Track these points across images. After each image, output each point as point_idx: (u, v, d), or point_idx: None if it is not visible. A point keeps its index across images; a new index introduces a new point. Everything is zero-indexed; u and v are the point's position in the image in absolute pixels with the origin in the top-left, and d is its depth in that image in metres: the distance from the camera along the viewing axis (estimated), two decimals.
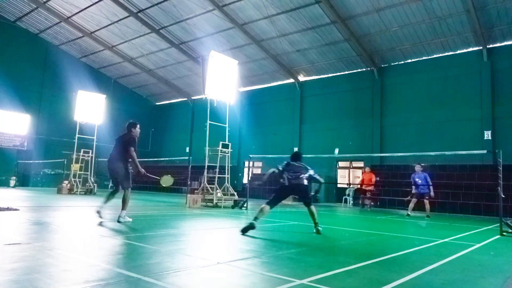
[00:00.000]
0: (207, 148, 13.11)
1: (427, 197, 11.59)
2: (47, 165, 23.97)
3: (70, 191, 16.98)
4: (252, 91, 25.24)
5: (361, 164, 20.39)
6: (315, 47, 19.76)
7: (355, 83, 20.57)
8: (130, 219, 6.87)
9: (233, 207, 12.26)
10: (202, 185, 13.07)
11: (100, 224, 6.48)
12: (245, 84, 24.84)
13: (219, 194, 12.61)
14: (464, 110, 16.86)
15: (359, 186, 15.11)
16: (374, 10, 16.32)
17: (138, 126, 7.27)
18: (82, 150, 18.35)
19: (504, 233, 7.24)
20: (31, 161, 23.76)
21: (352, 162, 20.94)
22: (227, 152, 13.32)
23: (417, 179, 11.77)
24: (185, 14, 19.61)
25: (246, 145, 24.21)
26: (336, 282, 3.23)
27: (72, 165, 18.06)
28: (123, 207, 6.90)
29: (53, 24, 23.38)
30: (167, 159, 23.23)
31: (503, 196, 7.73)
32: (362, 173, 15.24)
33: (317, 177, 6.71)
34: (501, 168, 7.55)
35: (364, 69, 20.23)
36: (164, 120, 30.77)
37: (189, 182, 15.06)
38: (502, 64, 16.27)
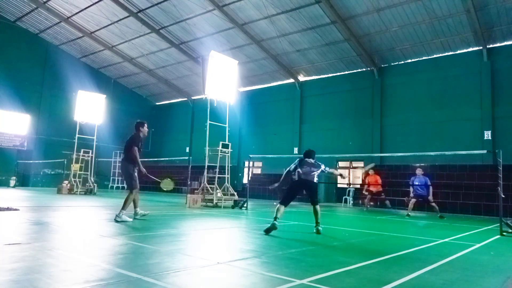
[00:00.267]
0: (207, 148, 13.11)
1: (432, 202, 11.66)
2: (47, 165, 23.98)
3: (70, 191, 16.98)
4: (252, 91, 25.24)
5: (361, 164, 20.40)
6: (315, 47, 19.77)
7: (355, 83, 20.57)
8: (130, 219, 6.87)
9: (233, 207, 12.26)
10: (202, 185, 13.07)
11: (100, 224, 6.48)
12: (245, 84, 24.84)
13: (219, 194, 12.61)
14: (464, 110, 16.86)
15: (366, 189, 14.90)
16: (374, 10, 16.32)
17: (145, 125, 7.43)
18: (82, 150, 18.35)
19: (504, 233, 7.24)
20: (31, 161, 23.77)
21: (352, 162, 20.94)
22: (227, 152, 13.32)
23: (416, 182, 11.84)
24: (185, 14, 19.61)
25: (246, 145, 24.21)
26: (336, 282, 3.23)
27: (72, 165, 18.06)
28: (123, 207, 6.96)
29: (53, 24, 23.38)
30: (167, 159, 23.24)
31: (503, 196, 7.73)
32: (367, 175, 15.03)
33: (328, 170, 6.79)
34: (501, 168, 7.55)
35: (364, 69, 20.23)
36: (164, 120, 30.77)
37: (189, 182, 15.06)
38: (502, 64, 16.27)
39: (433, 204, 11.71)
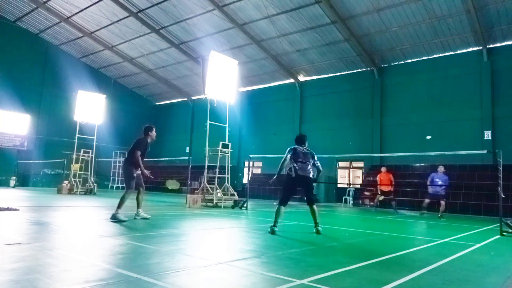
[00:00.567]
0: (207, 148, 13.11)
1: (443, 199, 11.54)
2: (47, 165, 23.99)
3: (70, 191, 16.97)
4: (252, 91, 25.24)
5: (361, 164, 20.41)
6: (315, 47, 19.77)
7: (355, 83, 20.57)
8: (126, 219, 6.86)
9: (233, 207, 12.26)
10: (202, 185, 13.07)
11: (100, 224, 6.48)
12: (245, 84, 24.84)
13: (219, 194, 12.60)
14: (464, 110, 16.86)
15: (379, 188, 14.57)
16: (374, 10, 16.33)
17: (154, 129, 7.63)
18: (82, 150, 18.35)
19: (504, 233, 7.24)
20: (31, 161, 23.77)
21: (352, 162, 20.95)
22: (227, 152, 13.31)
23: (437, 179, 11.65)
24: (185, 14, 19.61)
25: (246, 145, 24.22)
26: (336, 282, 3.23)
27: (72, 165, 18.06)
28: (119, 206, 6.98)
29: (53, 24, 23.39)
30: (167, 159, 23.24)
31: (503, 196, 7.73)
32: (379, 173, 14.67)
33: (319, 164, 6.62)
34: (501, 168, 7.54)
35: (364, 69, 20.24)
36: (164, 120, 30.75)
37: (189, 182, 15.07)
38: (502, 64, 16.27)
39: (443, 202, 11.55)
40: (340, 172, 21.23)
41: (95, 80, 26.23)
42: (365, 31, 17.78)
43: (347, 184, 20.37)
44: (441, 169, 11.90)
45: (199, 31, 20.74)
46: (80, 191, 17.28)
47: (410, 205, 15.68)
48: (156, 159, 25.29)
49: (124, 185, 7.29)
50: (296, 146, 6.59)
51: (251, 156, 13.88)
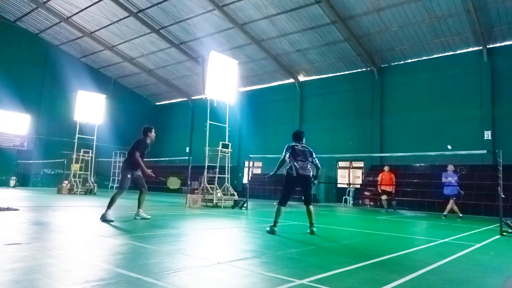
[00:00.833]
0: (207, 148, 13.11)
1: (454, 198, 11.48)
2: (47, 165, 23.99)
3: (70, 191, 16.98)
4: (252, 91, 25.24)
5: (361, 164, 20.41)
6: (315, 47, 19.77)
7: (355, 83, 20.57)
8: (113, 219, 6.80)
9: (233, 207, 12.26)
10: (202, 185, 13.07)
11: (100, 224, 6.48)
12: (245, 84, 24.84)
13: (219, 194, 12.60)
14: (464, 110, 16.86)
15: (379, 187, 14.50)
16: (374, 10, 16.32)
17: (153, 130, 7.55)
18: (82, 150, 18.36)
19: (504, 233, 7.24)
20: (31, 161, 23.77)
21: (352, 162, 20.95)
22: (227, 152, 13.31)
23: (449, 178, 11.59)
24: (185, 14, 19.61)
25: (246, 145, 24.22)
26: (336, 282, 3.23)
27: (72, 165, 18.07)
28: (109, 206, 6.96)
29: (53, 24, 23.39)
30: (167, 159, 23.23)
31: (503, 196, 7.73)
32: (381, 172, 14.59)
33: (317, 161, 6.58)
34: (501, 168, 7.54)
35: (364, 69, 20.24)
36: (164, 120, 30.77)
37: (189, 182, 15.06)
38: (502, 64, 16.28)
39: (451, 201, 11.48)
40: (340, 172, 21.23)
41: (95, 80, 26.24)
42: (365, 31, 17.78)
43: (347, 184, 20.37)
44: (450, 167, 11.85)
45: (199, 31, 20.74)
46: (80, 191, 17.29)
47: (410, 205, 15.69)
48: (156, 159, 25.28)
49: (118, 184, 7.24)
50: (293, 144, 6.55)
51: (251, 156, 13.87)
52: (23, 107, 23.55)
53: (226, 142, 13.40)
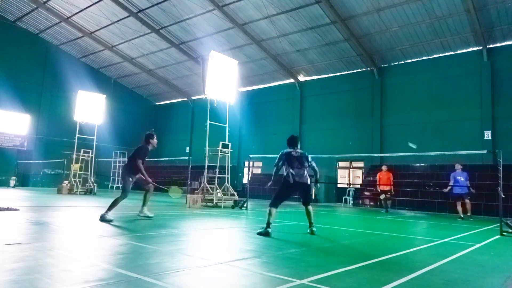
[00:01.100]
0: (207, 148, 13.11)
1: (468, 198, 11.46)
2: (47, 165, 23.99)
3: (70, 191, 16.98)
4: (252, 91, 25.24)
5: (361, 164, 20.41)
6: (315, 47, 19.77)
7: (355, 83, 20.57)
8: (112, 219, 6.82)
9: (233, 207, 12.26)
10: (202, 185, 13.07)
11: (100, 224, 6.48)
12: (245, 84, 24.84)
13: (219, 194, 12.60)
14: (464, 110, 16.86)
15: (378, 187, 14.43)
16: (374, 10, 16.32)
17: (155, 137, 7.60)
18: (82, 150, 18.36)
19: (504, 233, 7.24)
20: (31, 161, 23.77)
21: (352, 162, 20.95)
22: (227, 152, 13.31)
23: (458, 177, 11.55)
24: (185, 14, 19.61)
25: (246, 145, 24.22)
26: (336, 282, 3.23)
27: (72, 165, 18.07)
28: (109, 208, 6.99)
29: (53, 24, 23.39)
30: (167, 159, 23.24)
31: (503, 196, 7.73)
32: (379, 172, 14.53)
33: (314, 165, 6.51)
34: (501, 168, 7.54)
35: (364, 69, 20.24)
36: (164, 120, 30.77)
37: (189, 182, 15.06)
38: (502, 64, 16.27)
39: (467, 201, 11.46)
40: (340, 172, 21.23)
41: (95, 80, 26.24)
42: (365, 31, 17.78)
43: (347, 184, 20.37)
44: (458, 166, 11.80)
45: (199, 31, 20.74)
46: (80, 191, 17.28)
47: (410, 205, 15.69)
48: (156, 159, 25.26)
49: (121, 189, 7.35)
50: (288, 150, 6.40)
51: (251, 156, 13.88)
52: (23, 107, 23.56)
53: (226, 142, 13.39)
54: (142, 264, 3.49)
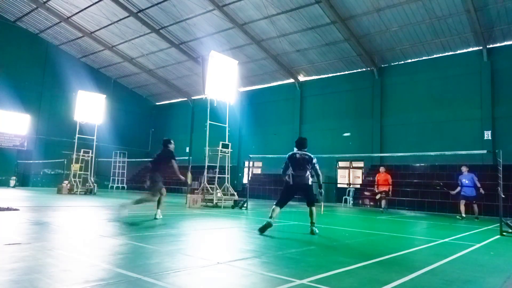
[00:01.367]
0: (207, 148, 13.11)
1: (474, 201, 11.47)
2: (47, 165, 23.99)
3: (70, 191, 16.98)
4: (252, 91, 25.24)
5: (361, 164, 20.41)
6: (315, 47, 19.76)
7: (355, 83, 20.57)
8: (126, 214, 7.16)
9: (233, 207, 12.26)
10: (202, 185, 13.07)
11: (100, 224, 6.48)
12: (245, 84, 24.84)
13: (219, 194, 12.60)
14: (464, 110, 16.86)
15: (375, 188, 14.39)
16: (374, 10, 16.32)
17: (172, 141, 8.16)
18: (82, 150, 18.37)
19: (504, 233, 7.24)
20: (31, 161, 23.77)
21: (352, 162, 20.95)
22: (227, 152, 13.32)
23: (464, 180, 11.54)
24: (185, 14, 19.61)
25: (246, 145, 24.22)
26: (336, 282, 3.23)
27: (72, 165, 18.07)
28: (135, 202, 7.50)
29: (53, 24, 23.38)
30: None
31: (503, 196, 7.73)
32: (377, 174, 14.50)
33: (317, 167, 6.54)
34: (501, 168, 7.54)
35: (364, 69, 20.23)
36: (164, 120, 30.78)
37: (189, 182, 15.04)
38: (502, 64, 16.27)
39: (474, 206, 11.47)
40: (340, 172, 21.23)
41: (95, 80, 26.23)
42: (365, 31, 17.78)
43: (347, 184, 20.37)
44: (464, 169, 11.77)
45: (199, 31, 20.74)
46: (80, 191, 17.29)
47: (410, 205, 15.69)
48: None
49: (148, 189, 7.80)
50: (293, 152, 6.56)
51: (251, 156, 13.88)
52: (23, 107, 23.55)
53: (226, 142, 13.40)
54: (142, 264, 3.49)
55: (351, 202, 17.64)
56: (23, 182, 23.76)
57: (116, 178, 27.08)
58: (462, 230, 8.20)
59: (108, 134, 25.47)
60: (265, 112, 24.29)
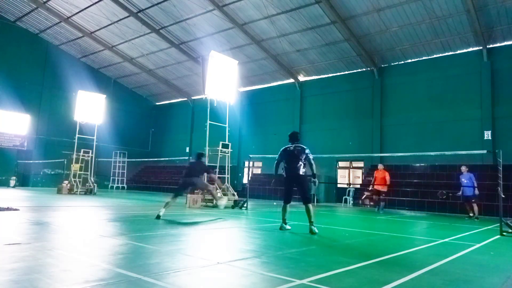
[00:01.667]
0: (207, 148, 13.12)
1: (473, 200, 11.56)
2: (47, 165, 24.00)
3: (70, 191, 16.98)
4: (252, 91, 25.24)
5: (361, 164, 20.41)
6: (315, 47, 19.77)
7: (355, 83, 20.57)
8: (163, 212, 7.86)
9: (233, 207, 12.25)
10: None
11: (100, 224, 6.48)
12: (245, 84, 24.84)
13: (219, 194, 12.59)
14: (464, 110, 16.86)
15: (372, 185, 14.20)
16: (374, 10, 16.32)
17: (205, 153, 9.32)
18: (82, 150, 18.37)
19: (504, 233, 7.24)
20: (31, 161, 23.78)
21: (352, 162, 20.95)
22: (227, 152, 13.32)
23: (463, 179, 11.68)
24: (185, 14, 19.61)
25: (246, 145, 24.22)
26: (336, 282, 3.23)
27: (72, 165, 18.07)
28: (166, 206, 8.13)
29: (53, 24, 23.39)
30: (167, 159, 23.25)
31: (503, 196, 7.73)
32: (375, 171, 14.31)
33: (310, 157, 6.54)
34: (501, 168, 7.54)
35: (364, 69, 20.23)
36: (164, 120, 30.78)
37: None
38: (502, 64, 16.27)
39: (474, 204, 11.53)
40: (340, 172, 21.23)
41: (95, 80, 26.24)
42: (365, 31, 17.78)
43: (347, 184, 20.37)
44: (463, 168, 11.88)
45: (199, 31, 20.74)
46: (80, 191, 17.29)
47: (410, 205, 15.69)
48: (156, 159, 25.33)
49: (198, 185, 9.07)
50: (286, 146, 6.73)
51: (251, 156, 13.88)
52: (23, 107, 23.55)
53: (226, 142, 13.40)
54: (142, 264, 3.49)
55: (351, 202, 17.63)
56: (23, 182, 23.77)
57: (116, 178, 27.08)
58: (462, 230, 8.20)
59: (108, 134, 25.48)
60: (265, 112, 24.29)
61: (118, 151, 27.45)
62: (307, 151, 6.55)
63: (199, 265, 3.63)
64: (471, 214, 11.58)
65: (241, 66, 19.10)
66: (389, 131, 19.02)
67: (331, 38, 18.84)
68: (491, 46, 16.51)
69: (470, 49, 17.15)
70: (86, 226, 6.43)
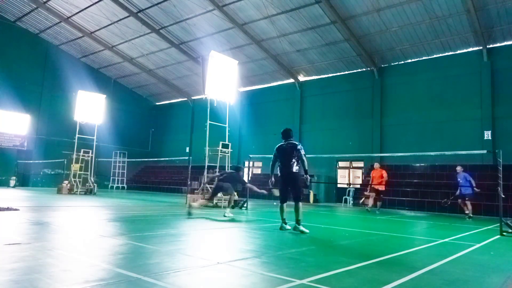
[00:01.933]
0: (207, 148, 13.12)
1: (467, 198, 11.67)
2: (47, 165, 23.99)
3: (70, 191, 16.98)
4: (252, 91, 25.24)
5: (361, 164, 20.41)
6: (315, 47, 19.76)
7: (355, 83, 20.57)
8: (231, 215, 8.72)
9: (233, 207, 12.22)
10: (202, 185, 13.06)
11: (100, 224, 6.48)
12: (245, 84, 24.84)
13: (219, 194, 12.58)
14: (464, 110, 16.86)
15: (370, 188, 14.14)
16: (374, 10, 16.32)
17: (242, 168, 9.64)
18: (82, 150, 18.37)
19: (504, 233, 7.24)
20: (31, 161, 23.77)
21: (352, 162, 20.94)
22: (227, 152, 13.32)
23: (458, 179, 11.85)
24: (185, 14, 19.61)
25: (246, 145, 24.21)
26: (336, 282, 3.23)
27: (72, 165, 18.07)
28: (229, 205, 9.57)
29: (53, 24, 23.38)
30: (167, 159, 23.25)
31: (503, 196, 7.73)
32: (372, 170, 14.24)
33: (301, 153, 6.53)
34: (501, 168, 7.54)
35: (364, 69, 20.23)
36: (164, 120, 30.78)
37: (189, 182, 15.05)
38: (502, 64, 16.27)
39: (468, 202, 11.62)
40: (340, 172, 21.22)
41: (95, 80, 26.23)
42: (365, 31, 17.77)
43: (347, 184, 20.37)
44: (458, 169, 12.04)
45: (199, 31, 20.74)
46: (80, 191, 17.29)
47: (410, 205, 15.68)
48: (156, 159, 25.33)
49: (229, 191, 9.72)
50: (279, 144, 6.83)
51: (251, 156, 13.88)
52: (23, 107, 23.54)
53: (226, 142, 13.40)
54: (142, 264, 3.49)
55: (351, 202, 17.63)
56: (23, 182, 23.76)
57: (116, 178, 27.08)
58: (462, 230, 8.20)
59: (108, 134, 25.48)
60: (265, 112, 24.29)
61: (118, 151, 27.45)
62: (298, 146, 6.57)
63: (199, 265, 3.63)
64: (466, 212, 11.68)
65: (241, 66, 19.10)
66: (389, 131, 19.02)
67: (331, 38, 18.83)
68: (491, 46, 16.51)
69: (470, 49, 17.15)
70: (86, 226, 6.43)
